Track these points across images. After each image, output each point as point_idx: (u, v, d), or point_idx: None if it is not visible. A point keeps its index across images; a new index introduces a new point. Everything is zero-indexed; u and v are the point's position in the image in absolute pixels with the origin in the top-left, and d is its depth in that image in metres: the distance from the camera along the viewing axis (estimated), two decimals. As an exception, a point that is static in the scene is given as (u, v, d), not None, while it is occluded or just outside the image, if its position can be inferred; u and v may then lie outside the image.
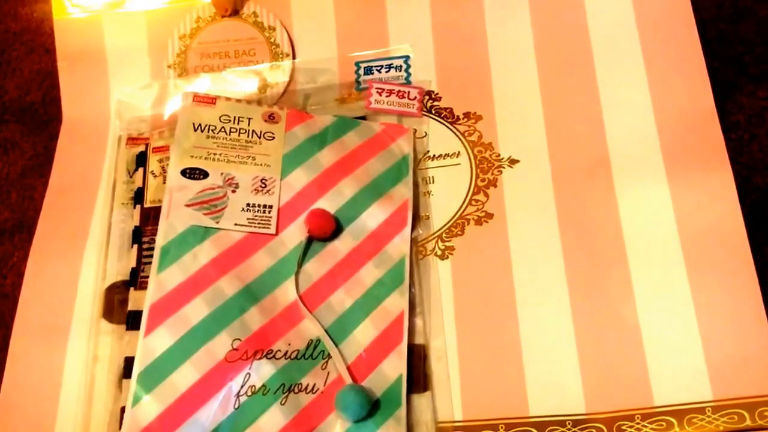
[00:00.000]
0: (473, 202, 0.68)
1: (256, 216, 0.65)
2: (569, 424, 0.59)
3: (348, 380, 0.59)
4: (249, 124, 0.69)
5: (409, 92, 0.74)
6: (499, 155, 0.70)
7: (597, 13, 0.73)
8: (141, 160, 0.70)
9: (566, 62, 0.72)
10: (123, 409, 0.58)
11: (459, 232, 0.67)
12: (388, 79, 0.74)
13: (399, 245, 0.66)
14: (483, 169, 0.69)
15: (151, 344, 0.59)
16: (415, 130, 0.72)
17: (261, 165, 0.67)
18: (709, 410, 0.58)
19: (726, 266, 0.63)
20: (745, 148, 0.68)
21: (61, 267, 0.68)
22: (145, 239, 0.66)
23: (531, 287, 0.64)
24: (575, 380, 0.61)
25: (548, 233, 0.66)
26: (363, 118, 0.73)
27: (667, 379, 0.60)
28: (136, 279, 0.64)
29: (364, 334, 0.62)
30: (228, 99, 0.71)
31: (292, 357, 0.60)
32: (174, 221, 0.64)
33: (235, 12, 0.78)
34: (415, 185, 0.70)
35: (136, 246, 0.66)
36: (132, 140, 0.72)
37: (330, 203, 0.67)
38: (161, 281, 0.62)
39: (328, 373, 0.60)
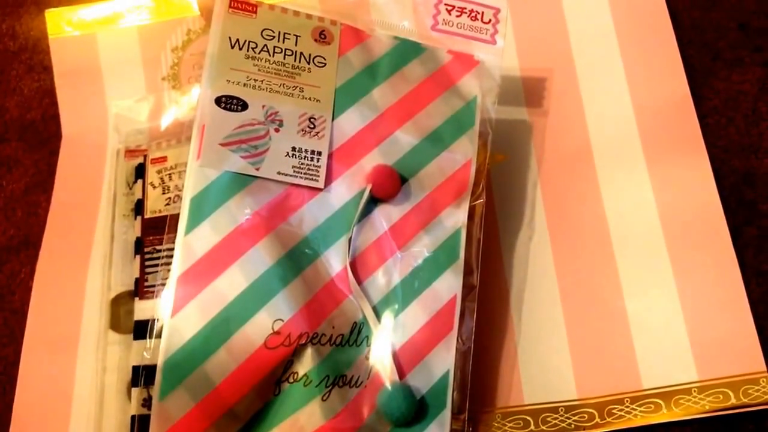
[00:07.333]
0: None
1: (302, 164, 0.54)
2: (562, 410, 0.61)
3: (393, 375, 0.52)
4: (296, 44, 0.56)
5: (483, 12, 0.59)
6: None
7: (573, 6, 0.74)
8: (140, 171, 0.71)
9: (546, 58, 0.73)
10: (133, 418, 0.58)
11: (448, 228, 0.68)
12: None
13: (456, 213, 0.56)
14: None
15: (179, 326, 0.50)
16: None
17: (310, 99, 0.55)
18: (695, 391, 0.59)
19: (706, 249, 0.64)
20: (723, 131, 0.69)
21: (68, 280, 0.69)
22: (147, 249, 0.66)
23: (521, 278, 0.65)
24: (566, 367, 0.62)
25: (536, 225, 0.67)
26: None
27: (654, 362, 0.61)
28: (140, 289, 0.64)
29: (411, 319, 0.53)
30: (272, 8, 0.56)
31: (337, 343, 0.52)
32: (206, 165, 0.52)
33: (223, 23, 0.79)
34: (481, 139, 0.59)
35: (138, 257, 0.66)
36: (130, 152, 0.73)
37: (385, 155, 0.56)
38: (190, 245, 0.51)
39: (372, 365, 0.52)
